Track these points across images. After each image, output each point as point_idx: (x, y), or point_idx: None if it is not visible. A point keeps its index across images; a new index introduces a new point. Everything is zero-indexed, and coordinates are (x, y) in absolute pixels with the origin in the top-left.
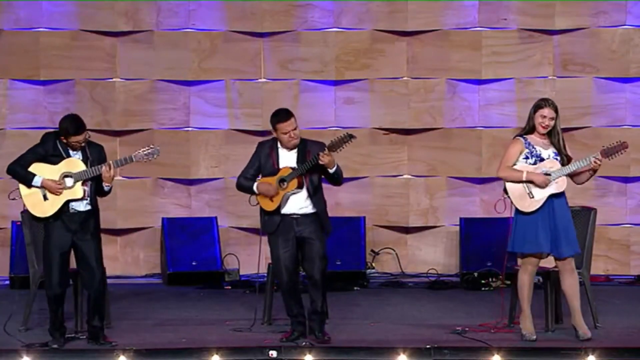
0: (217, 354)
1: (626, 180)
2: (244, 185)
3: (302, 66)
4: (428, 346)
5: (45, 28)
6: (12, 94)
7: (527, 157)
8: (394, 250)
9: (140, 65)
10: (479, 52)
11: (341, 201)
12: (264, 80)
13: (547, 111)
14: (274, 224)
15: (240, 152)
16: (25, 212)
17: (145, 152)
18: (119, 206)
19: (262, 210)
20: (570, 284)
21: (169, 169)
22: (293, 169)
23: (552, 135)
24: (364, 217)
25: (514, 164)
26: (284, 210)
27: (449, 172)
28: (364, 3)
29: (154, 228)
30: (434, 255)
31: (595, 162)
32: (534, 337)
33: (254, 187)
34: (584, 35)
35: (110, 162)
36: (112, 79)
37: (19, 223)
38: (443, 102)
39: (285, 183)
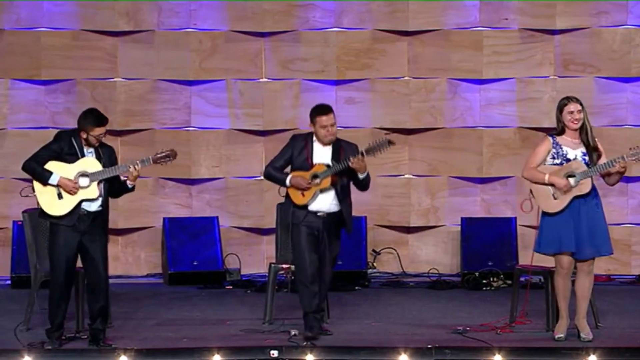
0: (218, 353)
1: (627, 180)
2: (274, 176)
3: (303, 66)
4: (429, 346)
5: (46, 28)
6: (13, 94)
7: (553, 157)
8: (395, 250)
9: (141, 65)
10: (480, 52)
11: None
12: (265, 80)
13: (572, 106)
14: (300, 216)
15: (241, 152)
16: (27, 212)
17: (162, 155)
18: (120, 206)
19: (287, 203)
20: (582, 285)
21: (169, 168)
22: (328, 166)
23: (582, 133)
24: (365, 217)
25: (543, 163)
26: (312, 207)
27: (450, 171)
28: (365, 3)
29: (155, 228)
30: (435, 255)
31: (620, 164)
32: (561, 336)
33: (287, 181)
34: (585, 35)
35: (137, 161)
36: (113, 78)
37: (20, 223)
38: (444, 102)
39: (319, 179)
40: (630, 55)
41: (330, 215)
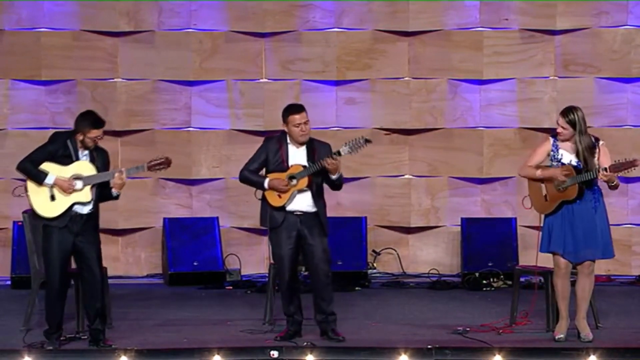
0: (218, 354)
1: (627, 180)
2: (251, 179)
3: (304, 66)
4: (429, 346)
5: (47, 28)
6: (14, 94)
7: (551, 159)
8: (395, 251)
9: (141, 65)
10: (480, 52)
11: (342, 201)
12: (266, 80)
13: (559, 119)
14: (278, 219)
15: (241, 152)
16: (27, 212)
17: (156, 163)
18: (121, 206)
19: (264, 206)
20: (582, 286)
21: (170, 169)
22: (304, 167)
23: (577, 142)
24: (365, 217)
25: (541, 163)
26: (289, 208)
27: (451, 172)
28: (366, 3)
29: (155, 228)
30: (435, 255)
31: (601, 175)
32: (561, 336)
33: (265, 184)
34: (586, 35)
35: (123, 169)
36: (113, 79)
37: (20, 223)
38: (444, 102)
39: (296, 180)
40: (630, 56)
41: (307, 214)
